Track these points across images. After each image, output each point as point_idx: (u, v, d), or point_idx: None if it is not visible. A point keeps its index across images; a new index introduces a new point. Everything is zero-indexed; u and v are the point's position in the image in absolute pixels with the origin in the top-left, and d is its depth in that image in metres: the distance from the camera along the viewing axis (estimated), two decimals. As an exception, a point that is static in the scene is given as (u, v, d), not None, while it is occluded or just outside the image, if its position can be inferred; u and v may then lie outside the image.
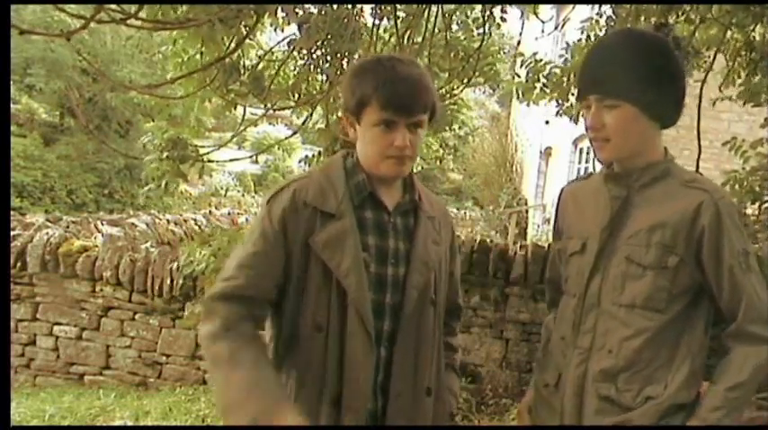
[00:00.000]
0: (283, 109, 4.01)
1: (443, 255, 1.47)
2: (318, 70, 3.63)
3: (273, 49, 3.81)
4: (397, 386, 1.35)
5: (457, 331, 1.65)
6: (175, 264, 4.56)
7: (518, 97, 4.13)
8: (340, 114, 3.75)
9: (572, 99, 3.90)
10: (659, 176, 1.37)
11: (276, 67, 3.54)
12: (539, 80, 3.87)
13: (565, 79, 3.79)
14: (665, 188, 1.36)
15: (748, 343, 1.29)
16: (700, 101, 3.49)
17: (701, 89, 3.45)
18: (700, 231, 1.30)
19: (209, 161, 3.34)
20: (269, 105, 3.55)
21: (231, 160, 3.92)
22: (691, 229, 1.31)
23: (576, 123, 4.04)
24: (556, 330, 1.49)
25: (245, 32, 2.91)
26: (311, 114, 3.61)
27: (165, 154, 2.88)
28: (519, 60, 4.11)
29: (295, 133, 4.12)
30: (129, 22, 2.00)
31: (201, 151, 3.15)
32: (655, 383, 1.30)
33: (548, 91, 3.90)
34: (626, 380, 1.32)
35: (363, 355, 1.30)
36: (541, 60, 3.86)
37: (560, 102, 3.95)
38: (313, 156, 4.19)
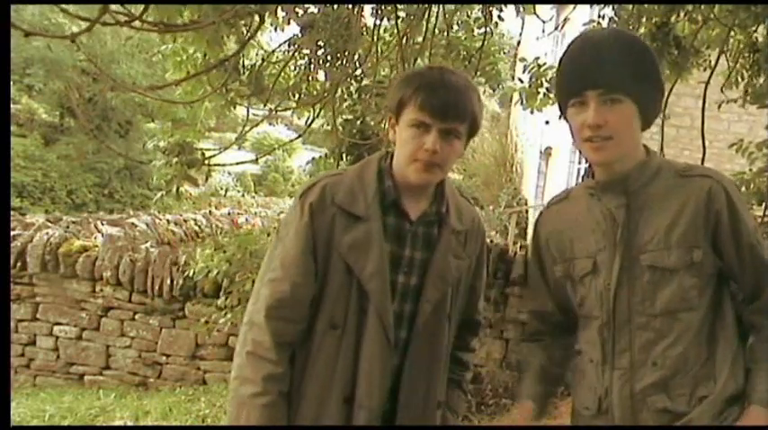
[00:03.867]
0: (286, 110, 4.00)
1: (465, 270, 1.44)
2: (318, 70, 3.62)
3: (274, 50, 3.80)
4: (407, 398, 1.36)
5: (472, 346, 1.60)
6: (176, 265, 4.56)
7: (521, 103, 4.05)
8: (346, 116, 3.78)
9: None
10: (654, 173, 1.32)
11: (278, 68, 3.53)
12: (542, 85, 3.83)
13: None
14: (664, 183, 1.31)
15: None
16: (704, 102, 3.47)
17: (705, 90, 3.43)
18: (715, 217, 1.27)
19: (216, 164, 3.34)
20: (272, 106, 3.54)
21: (237, 163, 3.91)
22: (706, 217, 1.27)
23: None
24: (587, 352, 1.42)
25: (247, 33, 2.91)
26: (317, 115, 3.60)
27: (174, 159, 2.89)
28: (522, 65, 4.05)
29: (300, 136, 4.11)
30: (132, 24, 2.00)
31: (205, 153, 3.15)
32: (705, 381, 1.27)
33: (552, 96, 3.86)
34: (676, 386, 1.28)
35: (381, 359, 1.31)
36: (544, 64, 3.82)
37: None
38: (319, 157, 4.18)
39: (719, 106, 3.78)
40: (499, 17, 3.71)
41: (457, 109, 1.30)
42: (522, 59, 4.14)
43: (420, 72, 1.40)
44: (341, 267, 1.32)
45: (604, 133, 1.26)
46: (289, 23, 3.55)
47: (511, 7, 3.66)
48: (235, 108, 3.67)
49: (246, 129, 3.69)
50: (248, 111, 3.51)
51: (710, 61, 3.53)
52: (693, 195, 1.28)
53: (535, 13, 3.74)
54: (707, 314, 1.29)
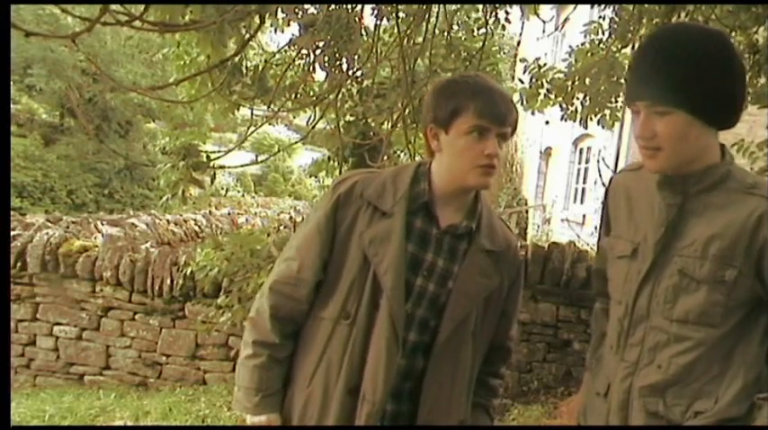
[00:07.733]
0: (289, 110, 4.00)
1: (495, 291, 1.44)
2: (317, 70, 3.62)
3: (275, 50, 3.80)
4: (430, 405, 1.37)
5: (501, 373, 1.59)
6: (176, 265, 4.55)
7: (522, 104, 4.04)
8: (348, 118, 3.78)
9: (576, 103, 3.87)
10: (718, 181, 1.26)
11: (282, 69, 3.53)
12: (542, 86, 3.82)
13: (569, 83, 3.75)
14: (725, 194, 1.25)
15: None
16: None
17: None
18: (761, 243, 1.20)
19: (221, 167, 3.34)
20: (275, 107, 3.54)
21: (242, 165, 3.92)
22: (751, 241, 1.21)
23: (586, 127, 4.00)
24: (608, 337, 1.42)
25: (247, 34, 2.91)
26: (320, 117, 3.60)
27: (180, 163, 2.89)
28: (522, 66, 4.05)
29: (303, 138, 4.10)
30: (133, 24, 2.00)
31: (210, 156, 3.15)
32: (705, 397, 1.25)
33: (552, 96, 3.85)
34: (675, 395, 1.27)
35: (388, 356, 1.31)
36: (545, 65, 3.81)
37: (564, 106, 3.91)
38: (322, 159, 4.17)
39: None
40: (506, 19, 3.70)
41: (512, 114, 1.33)
42: (523, 60, 4.14)
43: (465, 80, 1.37)
44: (359, 259, 1.34)
45: (654, 144, 1.23)
46: (289, 24, 3.55)
47: (515, 8, 3.65)
48: (239, 110, 3.67)
49: (252, 130, 3.68)
50: (252, 112, 3.51)
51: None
52: (744, 215, 1.22)
53: (536, 13, 3.73)
54: (729, 335, 1.25)
